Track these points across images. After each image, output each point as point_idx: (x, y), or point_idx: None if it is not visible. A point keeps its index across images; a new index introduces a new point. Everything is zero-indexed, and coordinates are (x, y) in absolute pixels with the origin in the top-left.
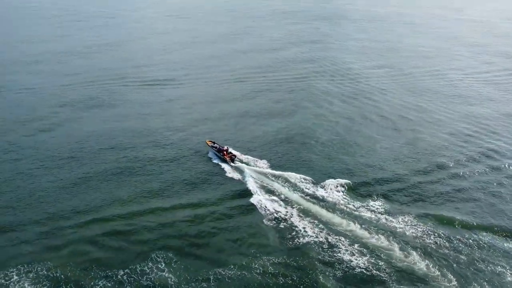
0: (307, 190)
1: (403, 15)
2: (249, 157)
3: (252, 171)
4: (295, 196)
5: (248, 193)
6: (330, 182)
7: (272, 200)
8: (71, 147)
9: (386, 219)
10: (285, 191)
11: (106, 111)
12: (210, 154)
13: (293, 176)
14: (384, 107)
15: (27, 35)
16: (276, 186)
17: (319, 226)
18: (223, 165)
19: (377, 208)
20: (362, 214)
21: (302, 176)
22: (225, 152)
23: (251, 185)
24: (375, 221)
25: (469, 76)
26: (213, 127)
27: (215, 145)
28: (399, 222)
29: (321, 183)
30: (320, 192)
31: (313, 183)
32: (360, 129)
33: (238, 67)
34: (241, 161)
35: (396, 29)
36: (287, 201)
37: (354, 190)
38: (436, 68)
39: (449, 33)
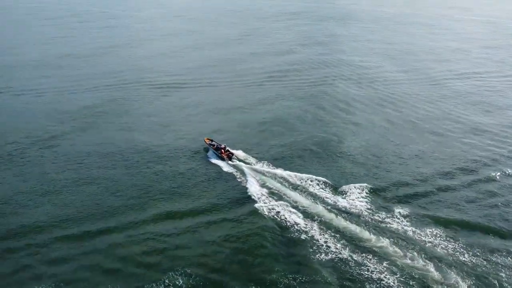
0: (323, 195)
1: (413, 15)
2: (250, 157)
3: (251, 170)
4: (307, 202)
5: (248, 197)
6: (349, 187)
7: (280, 205)
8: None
9: (413, 231)
10: (294, 194)
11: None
12: (209, 154)
13: (304, 177)
14: (407, 111)
15: (30, 37)
16: (279, 186)
17: (338, 237)
18: (221, 163)
19: (402, 219)
20: (388, 225)
21: (316, 177)
22: (222, 150)
23: (252, 186)
24: (402, 234)
25: (496, 79)
26: (234, 136)
27: (213, 143)
28: (428, 235)
29: (340, 188)
30: (338, 198)
31: (331, 187)
32: (382, 133)
33: (252, 70)
34: (239, 159)
35: (410, 30)
36: (296, 207)
37: (376, 196)
38: (460, 71)
39: (465, 34)
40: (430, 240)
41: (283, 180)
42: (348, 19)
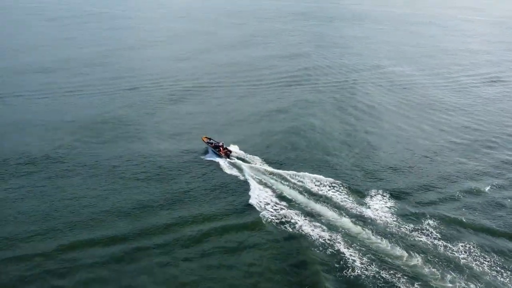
0: (341, 200)
1: (424, 16)
2: (256, 157)
3: (250, 168)
4: (317, 207)
5: (251, 204)
6: (370, 192)
7: (288, 213)
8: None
9: (444, 246)
10: (305, 200)
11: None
12: (209, 154)
13: (320, 179)
14: (435, 116)
15: (31, 39)
16: (288, 190)
17: (363, 250)
18: (219, 161)
19: (431, 230)
20: (415, 237)
21: (330, 179)
22: (221, 148)
23: (252, 184)
24: (432, 248)
25: None
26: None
27: (211, 141)
28: (460, 251)
29: (362, 193)
30: (360, 205)
31: (351, 191)
32: (409, 137)
33: (266, 74)
34: (238, 157)
35: (424, 31)
36: (311, 214)
37: (400, 203)
38: (488, 74)
39: (482, 35)
40: (464, 256)
41: (289, 182)
42: (357, 19)
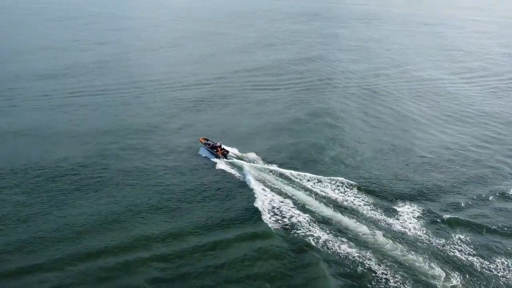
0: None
1: (433, 17)
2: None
3: (251, 168)
4: (327, 211)
5: (252, 199)
6: (398, 202)
7: (292, 214)
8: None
9: (481, 264)
10: (306, 197)
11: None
12: (203, 151)
13: (342, 181)
14: (465, 124)
15: (31, 43)
16: (290, 189)
17: (391, 266)
18: (217, 161)
19: (464, 244)
20: (447, 251)
21: (347, 180)
22: (218, 149)
23: (254, 185)
24: (468, 266)
25: None
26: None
27: (208, 142)
28: (498, 268)
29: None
30: (388, 216)
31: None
32: (440, 147)
33: (292, 79)
34: (236, 157)
35: (440, 31)
36: (317, 217)
37: (427, 213)
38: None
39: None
40: (504, 274)
41: (293, 182)
42: (372, 20)
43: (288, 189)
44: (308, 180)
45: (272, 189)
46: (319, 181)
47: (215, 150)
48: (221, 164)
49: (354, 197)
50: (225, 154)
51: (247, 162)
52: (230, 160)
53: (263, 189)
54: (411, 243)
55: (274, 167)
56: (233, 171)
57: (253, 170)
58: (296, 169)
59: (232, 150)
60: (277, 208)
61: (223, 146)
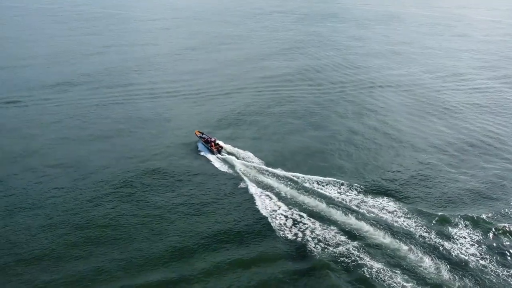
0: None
1: (446, 18)
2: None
3: (241, 165)
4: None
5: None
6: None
7: (292, 213)
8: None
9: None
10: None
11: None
12: (201, 147)
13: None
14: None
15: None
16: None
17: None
18: (210, 156)
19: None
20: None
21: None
22: (212, 144)
23: (262, 201)
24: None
25: None
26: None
27: (203, 136)
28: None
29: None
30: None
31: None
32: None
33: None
34: (228, 152)
35: (468, 33)
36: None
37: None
38: None
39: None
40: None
41: (292, 182)
42: (389, 21)
43: (276, 186)
44: (308, 182)
45: (264, 187)
46: (320, 182)
47: (208, 145)
48: (216, 162)
49: (374, 201)
50: (219, 149)
51: (240, 159)
52: (224, 156)
53: (262, 191)
54: (417, 243)
55: (263, 166)
56: (225, 169)
57: (243, 167)
58: (302, 171)
59: (232, 150)
60: (274, 211)
61: (217, 142)
